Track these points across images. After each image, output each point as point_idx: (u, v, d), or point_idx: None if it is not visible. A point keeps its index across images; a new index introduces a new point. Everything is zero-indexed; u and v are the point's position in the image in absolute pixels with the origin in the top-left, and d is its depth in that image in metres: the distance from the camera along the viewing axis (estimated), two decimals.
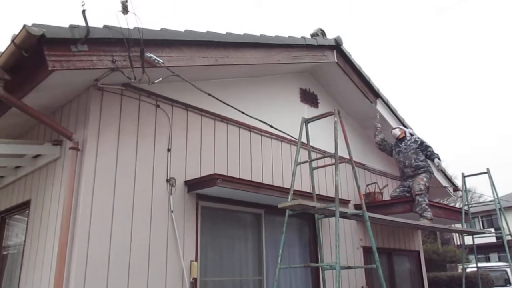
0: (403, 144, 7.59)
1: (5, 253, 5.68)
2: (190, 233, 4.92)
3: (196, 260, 4.86)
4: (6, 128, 5.16)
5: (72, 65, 3.65)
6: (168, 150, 4.96)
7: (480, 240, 10.71)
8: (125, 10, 3.70)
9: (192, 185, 5.02)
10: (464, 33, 74.22)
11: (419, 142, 7.56)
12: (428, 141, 7.69)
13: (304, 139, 5.23)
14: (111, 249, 4.17)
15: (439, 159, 7.46)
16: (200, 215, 5.11)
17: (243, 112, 5.48)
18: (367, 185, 8.00)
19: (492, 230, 22.50)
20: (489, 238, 23.86)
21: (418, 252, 9.27)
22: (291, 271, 6.15)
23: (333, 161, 4.77)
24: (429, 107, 66.56)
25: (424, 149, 7.49)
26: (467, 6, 74.68)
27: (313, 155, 5.87)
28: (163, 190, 4.78)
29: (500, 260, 26.71)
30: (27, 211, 5.03)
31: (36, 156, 4.88)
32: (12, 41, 3.43)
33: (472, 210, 9.04)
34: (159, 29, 4.45)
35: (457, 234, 22.88)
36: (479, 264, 10.31)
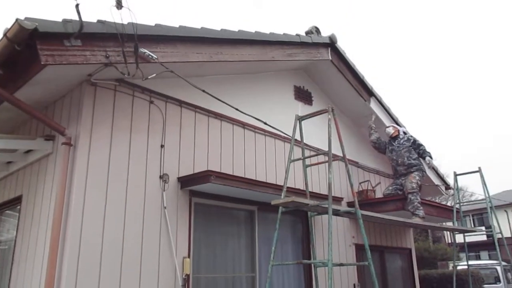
0: (396, 143, 7.63)
1: None
2: (183, 230, 4.91)
3: (189, 256, 4.86)
4: None
5: (65, 59, 3.62)
6: (162, 146, 4.95)
7: (471, 238, 10.83)
8: (119, 5, 3.68)
9: (185, 181, 5.01)
10: (463, 34, 74.66)
11: (412, 141, 7.60)
12: (421, 140, 7.74)
13: (297, 137, 5.24)
14: (104, 245, 4.15)
15: (430, 157, 7.52)
16: (193, 212, 5.11)
17: (237, 109, 5.47)
18: (360, 183, 8.03)
19: (483, 228, 22.72)
20: (480, 236, 24.06)
21: (410, 250, 9.33)
22: (283, 268, 6.17)
23: (327, 158, 4.78)
24: (426, 107, 67.03)
25: (416, 147, 7.53)
26: (463, 6, 75.15)
27: (307, 153, 5.88)
28: (156, 186, 4.77)
29: (490, 258, 26.93)
30: (18, 207, 4.99)
31: (28, 151, 4.84)
32: (5, 34, 3.40)
33: (464, 208, 9.10)
34: (154, 24, 4.43)
35: (448, 232, 23.07)
36: (470, 262, 10.41)
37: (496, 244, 8.36)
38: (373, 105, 8.11)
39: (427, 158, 7.47)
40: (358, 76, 7.78)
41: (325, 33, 7.25)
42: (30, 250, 4.45)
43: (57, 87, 4.53)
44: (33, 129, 5.12)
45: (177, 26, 4.67)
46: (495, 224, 8.68)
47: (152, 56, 4.21)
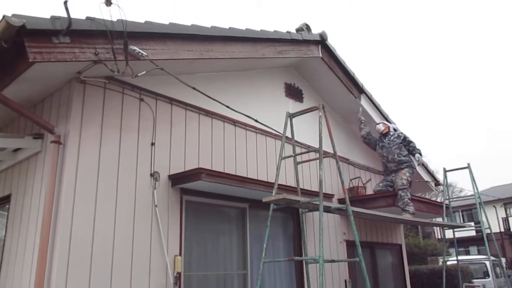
0: (386, 139, 7.68)
1: None
2: (174, 228, 4.90)
3: (180, 254, 4.85)
4: None
5: (54, 57, 3.58)
6: (152, 144, 4.92)
7: (460, 233, 10.93)
8: (108, 2, 3.65)
9: (176, 179, 5.00)
10: (458, 31, 75.22)
11: (402, 137, 7.65)
12: (412, 137, 7.79)
13: (288, 134, 5.24)
14: (94, 244, 4.12)
15: (420, 154, 7.57)
16: (184, 210, 5.09)
17: (227, 106, 5.46)
18: (350, 180, 8.07)
19: (472, 224, 22.93)
20: (469, 231, 24.37)
21: (400, 245, 9.41)
22: (275, 264, 6.18)
23: (318, 155, 4.79)
24: (419, 105, 67.56)
25: (406, 144, 7.58)
26: (459, 5, 75.72)
27: (298, 150, 5.90)
28: (147, 184, 4.74)
29: (479, 253, 27.30)
30: (7, 206, 4.94)
31: (17, 149, 4.79)
32: None
33: (453, 204, 9.21)
34: (143, 21, 4.39)
35: (438, 228, 23.29)
36: (459, 257, 10.51)
37: (485, 239, 8.47)
38: (364, 102, 8.15)
39: (417, 155, 7.52)
40: (349, 73, 7.80)
41: (322, 30, 7.25)
42: (20, 249, 4.41)
43: (45, 84, 4.48)
44: (22, 127, 5.07)
45: (167, 23, 4.64)
46: (484, 219, 8.79)
47: (142, 54, 4.18)
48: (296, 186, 5.47)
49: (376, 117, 8.33)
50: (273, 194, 4.76)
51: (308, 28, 7.19)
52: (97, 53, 3.88)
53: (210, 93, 5.27)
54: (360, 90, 8.06)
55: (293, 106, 7.11)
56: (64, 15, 3.55)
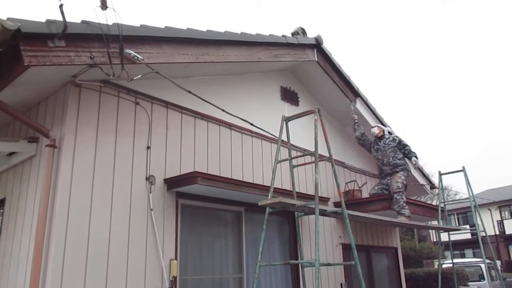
0: (381, 142, 7.70)
1: None
2: (170, 231, 4.89)
3: (175, 258, 4.83)
4: None
5: (49, 60, 3.57)
6: (148, 147, 4.91)
7: (455, 236, 10.98)
8: (104, 5, 3.64)
9: (172, 183, 4.99)
10: (461, 38, 75.72)
11: (397, 141, 7.67)
12: (407, 140, 7.83)
13: (284, 137, 5.25)
14: (89, 248, 4.11)
15: (416, 157, 7.59)
16: (180, 213, 5.08)
17: (223, 110, 5.47)
18: (346, 183, 8.08)
19: (467, 227, 23.02)
20: (465, 234, 24.43)
21: (396, 249, 9.42)
22: (271, 268, 6.17)
23: (313, 159, 4.80)
24: (420, 111, 67.92)
25: (402, 147, 7.60)
26: (457, 6, 76.26)
27: (293, 153, 5.90)
28: (142, 188, 4.73)
29: (474, 256, 27.38)
30: (1, 210, 4.91)
31: (11, 153, 4.76)
32: None
33: (448, 207, 9.23)
34: (139, 25, 4.40)
35: (433, 231, 23.35)
36: (455, 260, 10.54)
37: (480, 242, 8.49)
38: (359, 105, 8.17)
39: (414, 158, 7.54)
40: (344, 77, 7.83)
41: (322, 33, 7.29)
42: (14, 253, 4.38)
43: (41, 88, 4.47)
44: (17, 131, 5.05)
45: (163, 27, 4.65)
46: (479, 222, 8.82)
47: (137, 57, 4.18)
48: (292, 190, 5.47)
49: (372, 121, 8.35)
50: (269, 197, 4.76)
51: (303, 32, 7.21)
52: (92, 57, 3.88)
53: (206, 97, 5.28)
54: (355, 93, 8.09)
55: (288, 109, 7.12)
56: (60, 18, 3.55)
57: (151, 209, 4.72)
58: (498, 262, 22.94)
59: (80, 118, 4.36)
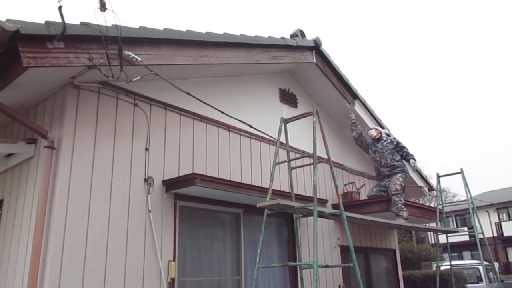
0: (379, 144, 7.71)
1: None
2: (168, 233, 4.88)
3: (174, 260, 4.83)
4: None
5: (48, 62, 3.57)
6: (146, 149, 4.91)
7: (453, 238, 10.98)
8: (103, 7, 3.65)
9: (170, 184, 4.99)
10: (463, 39, 75.91)
11: (395, 143, 7.69)
12: (405, 142, 7.84)
13: (283, 139, 5.26)
14: (87, 249, 4.10)
15: (414, 159, 7.61)
16: (178, 215, 5.08)
17: (222, 112, 5.47)
18: (344, 185, 8.09)
19: (465, 229, 23.07)
20: (463, 236, 24.45)
21: (394, 250, 9.43)
22: (269, 270, 6.17)
23: (312, 161, 4.81)
24: (421, 113, 68.03)
25: (399, 149, 7.62)
26: (458, 6, 76.50)
27: (292, 155, 5.91)
28: (140, 189, 4.73)
29: (472, 258, 27.37)
30: None
31: (10, 155, 4.75)
32: None
33: (446, 209, 9.25)
34: (138, 27, 4.40)
35: (431, 233, 23.36)
36: (453, 262, 10.56)
37: (478, 244, 8.50)
38: (358, 107, 8.19)
39: (411, 160, 7.56)
40: (343, 79, 7.85)
41: (322, 33, 7.31)
42: (12, 255, 4.37)
43: (39, 89, 4.47)
44: (15, 132, 5.04)
45: (162, 28, 4.65)
46: (477, 224, 8.84)
47: (136, 59, 4.18)
48: (290, 192, 5.47)
49: (370, 122, 8.37)
50: (267, 199, 4.76)
51: (302, 34, 7.23)
52: (91, 58, 3.88)
53: (205, 99, 5.28)
54: (354, 95, 8.10)
55: (287, 111, 7.13)
56: (59, 20, 3.55)
57: (150, 211, 4.72)
58: (496, 264, 22.95)
59: (78, 119, 4.36)
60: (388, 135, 7.96)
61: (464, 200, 9.29)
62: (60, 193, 4.03)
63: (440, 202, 9.07)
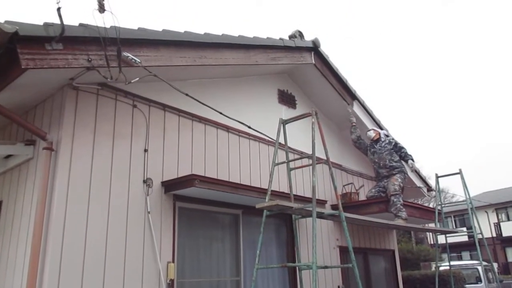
0: (378, 145, 7.72)
1: None
2: (167, 234, 4.88)
3: (173, 261, 4.83)
4: None
5: (47, 63, 3.57)
6: (145, 150, 4.91)
7: (452, 239, 10.99)
8: (101, 8, 3.65)
9: (169, 185, 4.99)
10: (461, 39, 76.03)
11: (393, 144, 7.69)
12: (404, 142, 7.85)
13: (281, 140, 5.26)
14: (86, 251, 4.10)
15: (412, 160, 7.62)
16: (177, 216, 5.08)
17: (221, 113, 5.47)
18: (343, 186, 8.10)
19: (464, 229, 23.05)
20: (462, 237, 24.40)
21: (393, 251, 9.43)
22: (268, 271, 6.17)
23: (310, 162, 4.81)
24: (414, 112, 68.07)
25: (398, 150, 7.63)
26: (458, 6, 76.64)
27: (291, 156, 5.91)
28: (139, 191, 4.73)
29: (471, 258, 27.39)
30: None
31: (8, 156, 4.75)
32: None
33: (445, 210, 9.25)
34: (136, 28, 4.40)
35: (430, 234, 23.38)
36: (452, 263, 10.56)
37: (477, 244, 8.51)
38: (357, 108, 8.20)
39: (410, 161, 7.57)
40: (342, 80, 7.85)
41: (321, 33, 7.33)
42: (11, 257, 4.36)
43: (38, 91, 4.47)
44: (14, 133, 5.03)
45: (161, 30, 4.65)
46: (476, 225, 8.84)
47: (135, 60, 4.18)
48: (289, 192, 5.47)
49: (369, 123, 8.37)
50: (266, 200, 4.76)
51: (301, 35, 7.24)
52: (90, 60, 3.88)
53: (203, 100, 5.28)
54: (352, 96, 8.11)
55: (286, 112, 7.13)
56: (57, 21, 3.55)
57: (149, 212, 4.72)
58: (495, 265, 22.98)
59: (77, 121, 4.36)
60: (386, 136, 7.97)
61: (463, 201, 9.29)
62: (59, 195, 4.03)
63: (439, 203, 9.08)
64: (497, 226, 33.99)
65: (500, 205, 34.15)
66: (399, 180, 7.35)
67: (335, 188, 5.16)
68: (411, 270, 16.20)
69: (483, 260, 9.67)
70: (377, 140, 7.79)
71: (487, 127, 68.16)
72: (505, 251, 33.63)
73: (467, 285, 13.35)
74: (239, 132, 6.21)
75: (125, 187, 4.60)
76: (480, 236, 8.73)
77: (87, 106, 4.49)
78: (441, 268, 11.69)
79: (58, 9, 3.46)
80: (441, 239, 10.18)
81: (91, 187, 4.30)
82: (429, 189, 10.30)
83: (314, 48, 7.23)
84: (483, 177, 54.69)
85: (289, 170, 5.45)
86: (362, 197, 8.12)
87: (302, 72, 7.50)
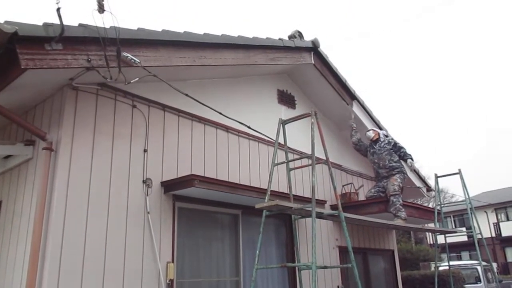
0: (377, 146, 7.72)
1: None
2: (167, 234, 4.88)
3: (172, 261, 4.83)
4: None
5: (46, 64, 3.57)
6: (145, 150, 4.91)
7: (452, 239, 10.98)
8: (101, 9, 3.65)
9: (168, 186, 4.99)
10: (461, 36, 76.05)
11: (392, 144, 7.70)
12: (403, 142, 7.85)
13: (281, 140, 5.26)
14: (86, 251, 4.10)
15: (412, 159, 7.63)
16: (176, 216, 5.08)
17: (220, 113, 5.47)
18: (343, 186, 8.10)
19: (464, 229, 23.04)
20: (461, 237, 24.40)
21: (393, 251, 9.44)
22: (268, 271, 6.17)
23: (310, 162, 4.81)
24: (413, 112, 68.11)
25: (397, 150, 7.64)
26: (457, 6, 76.67)
27: (290, 156, 5.91)
28: (139, 191, 4.73)
29: (471, 258, 27.40)
30: None
31: (8, 156, 4.75)
32: None
33: (445, 210, 9.25)
34: (136, 28, 4.40)
35: (430, 234, 23.39)
36: (451, 263, 10.57)
37: (476, 244, 8.51)
38: (356, 108, 8.20)
39: (409, 160, 7.58)
40: (341, 80, 7.86)
41: (321, 33, 7.34)
42: (10, 257, 4.37)
43: (38, 91, 4.47)
44: (13, 133, 5.04)
45: (160, 30, 4.65)
46: (475, 225, 8.84)
47: (134, 60, 4.19)
48: (288, 193, 5.48)
49: (368, 124, 8.38)
50: (266, 200, 4.76)
51: (300, 35, 7.24)
52: (89, 60, 3.88)
53: (203, 100, 5.28)
54: (352, 96, 8.11)
55: (285, 112, 7.14)
56: (57, 22, 3.55)
57: (148, 212, 4.72)
58: (495, 265, 22.98)
59: (77, 121, 4.36)
60: (386, 136, 7.98)
61: (462, 201, 9.30)
62: (58, 195, 4.03)
63: (438, 203, 9.08)
64: (497, 226, 34.01)
65: (499, 205, 34.16)
66: (399, 180, 7.35)
67: (335, 188, 5.17)
68: (411, 270, 16.19)
69: (483, 260, 9.67)
70: (377, 141, 7.79)
71: (487, 127, 68.24)
72: (505, 251, 33.64)
73: (466, 285, 13.35)
74: (238, 132, 6.21)
75: (125, 187, 4.60)
76: (479, 236, 8.73)
77: (86, 106, 4.49)
78: (440, 268, 11.70)
79: (58, 9, 3.47)
80: (441, 239, 10.19)
81: (91, 187, 4.30)
82: (429, 189, 10.31)
83: (314, 48, 7.24)
84: (483, 177, 54.72)
85: (289, 170, 5.46)
86: (362, 197, 8.13)
87: (302, 72, 7.50)
